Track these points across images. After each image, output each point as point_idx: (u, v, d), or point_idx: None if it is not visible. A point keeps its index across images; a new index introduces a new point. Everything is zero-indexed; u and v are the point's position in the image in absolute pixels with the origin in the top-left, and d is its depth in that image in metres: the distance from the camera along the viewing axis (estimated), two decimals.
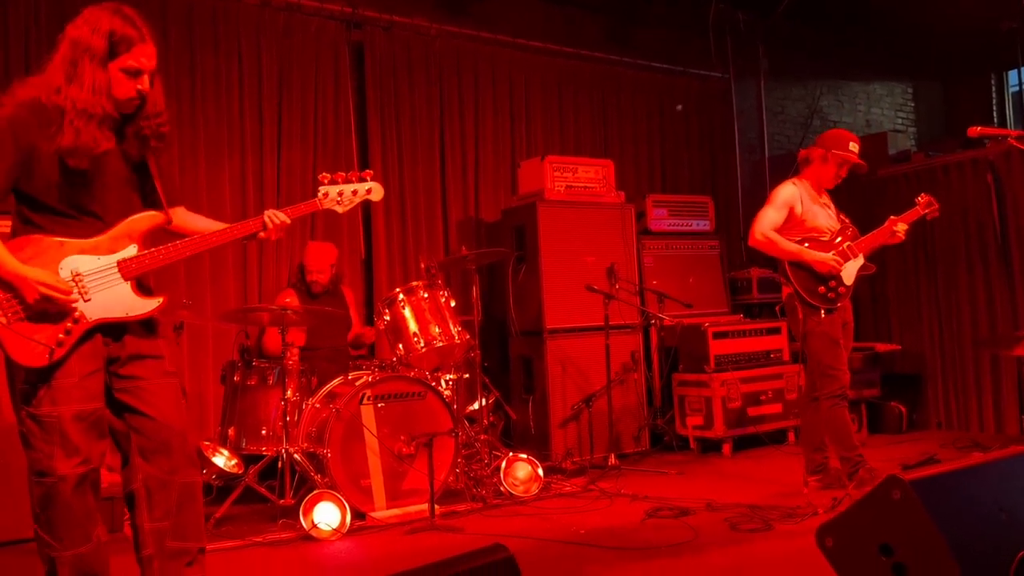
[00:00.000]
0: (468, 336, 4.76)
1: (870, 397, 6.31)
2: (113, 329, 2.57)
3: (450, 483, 4.48)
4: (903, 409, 6.35)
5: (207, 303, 5.21)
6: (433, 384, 4.54)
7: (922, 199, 4.61)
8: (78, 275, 2.50)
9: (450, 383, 4.75)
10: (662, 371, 6.25)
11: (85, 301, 2.50)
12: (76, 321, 2.47)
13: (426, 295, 4.65)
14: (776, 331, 6.23)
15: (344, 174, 2.87)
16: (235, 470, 4.40)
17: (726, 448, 5.75)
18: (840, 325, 4.38)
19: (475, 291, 5.05)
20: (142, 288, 2.62)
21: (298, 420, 4.45)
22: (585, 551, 3.57)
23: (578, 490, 4.77)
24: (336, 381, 4.54)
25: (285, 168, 5.62)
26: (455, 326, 4.65)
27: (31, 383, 2.45)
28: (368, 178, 2.89)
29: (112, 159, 2.56)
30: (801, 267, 4.32)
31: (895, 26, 8.09)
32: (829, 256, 4.31)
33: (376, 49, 5.99)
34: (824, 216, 4.47)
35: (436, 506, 4.08)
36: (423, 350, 4.55)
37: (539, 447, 5.47)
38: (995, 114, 9.18)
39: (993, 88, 9.27)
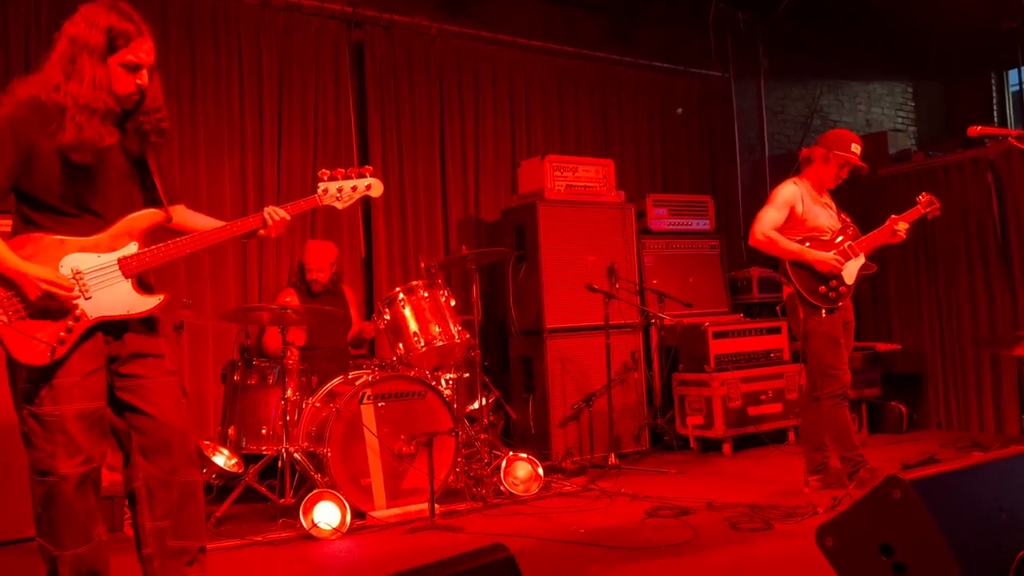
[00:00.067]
0: (468, 335, 4.75)
1: (870, 397, 6.31)
2: (114, 327, 2.57)
3: (450, 482, 4.48)
4: (903, 409, 6.35)
5: (207, 302, 5.21)
6: (433, 383, 4.54)
7: (923, 198, 4.61)
8: (79, 273, 2.50)
9: (450, 382, 4.75)
10: (662, 370, 6.25)
11: (86, 299, 2.50)
12: (77, 319, 2.47)
13: (426, 294, 4.64)
14: (776, 330, 6.23)
15: (343, 170, 2.86)
16: (235, 469, 4.40)
17: (726, 448, 5.75)
18: (841, 324, 4.38)
19: (475, 290, 5.05)
20: (143, 286, 2.62)
21: (298, 419, 4.45)
22: (585, 550, 3.57)
23: (578, 489, 4.76)
24: (336, 380, 4.54)
25: (285, 167, 5.62)
26: (455, 325, 4.65)
27: (32, 382, 2.45)
28: (367, 174, 2.88)
29: (114, 155, 2.56)
30: (802, 267, 4.32)
31: (895, 26, 8.09)
32: (830, 256, 4.31)
33: (376, 48, 5.99)
34: (825, 215, 4.46)
35: (436, 505, 4.08)
36: (423, 349, 4.55)
37: (539, 446, 5.47)
38: (995, 113, 9.18)
39: (993, 87, 9.27)
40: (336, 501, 3.98)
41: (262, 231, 2.76)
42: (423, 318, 4.60)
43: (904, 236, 4.51)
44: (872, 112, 8.99)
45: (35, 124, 2.43)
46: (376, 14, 5.98)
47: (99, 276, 2.52)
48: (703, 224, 6.76)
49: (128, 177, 2.64)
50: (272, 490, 4.29)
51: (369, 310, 5.71)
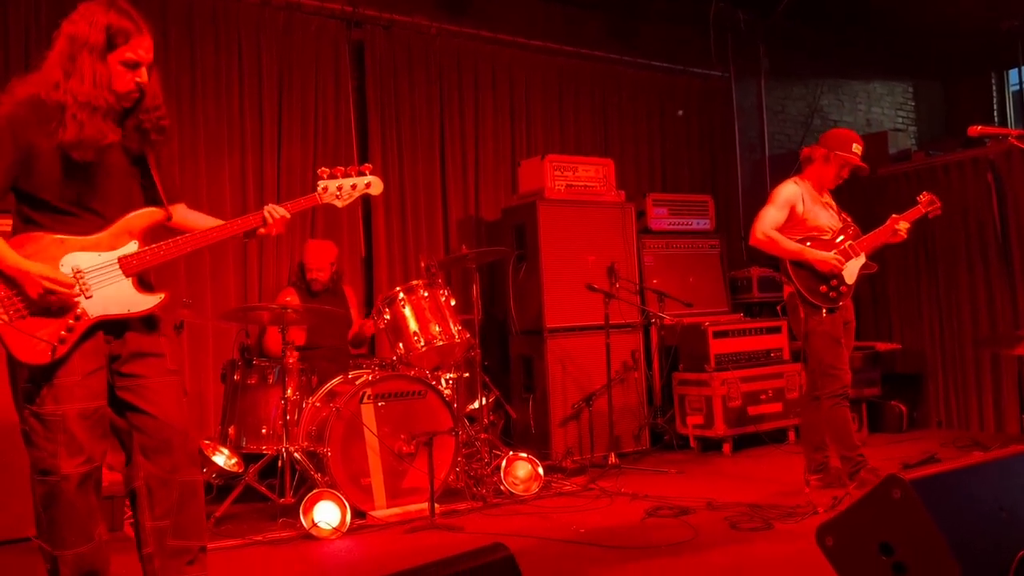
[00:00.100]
0: (468, 335, 4.75)
1: (870, 396, 6.31)
2: (115, 326, 2.57)
3: (450, 482, 4.48)
4: (903, 408, 6.35)
5: (207, 302, 5.21)
6: (433, 383, 4.54)
7: (924, 197, 4.60)
8: (79, 272, 2.50)
9: (450, 382, 4.75)
10: (662, 370, 6.25)
11: (86, 298, 2.50)
12: (78, 318, 2.47)
13: (426, 294, 4.64)
14: (776, 330, 6.23)
15: (343, 168, 2.86)
16: (235, 469, 4.40)
17: (726, 447, 5.75)
18: (842, 324, 4.37)
19: (475, 290, 5.05)
20: (143, 285, 2.62)
21: (298, 419, 4.45)
22: (585, 550, 3.56)
23: (578, 489, 4.76)
24: (336, 380, 4.54)
25: (285, 166, 5.62)
26: (455, 325, 4.65)
27: (34, 382, 2.45)
28: (367, 172, 2.88)
29: (114, 153, 2.56)
30: (803, 266, 4.32)
31: (895, 25, 8.08)
32: (831, 255, 4.31)
33: (376, 48, 5.99)
34: (826, 215, 4.46)
35: (436, 505, 4.08)
36: (423, 349, 4.55)
37: (539, 446, 5.47)
38: (996, 113, 9.18)
39: (994, 87, 9.26)
40: (336, 501, 3.98)
41: (262, 229, 2.76)
42: (423, 318, 4.60)
43: (905, 236, 4.51)
44: (872, 112, 8.99)
45: (34, 123, 2.43)
46: (376, 13, 5.98)
47: (100, 275, 2.52)
48: (703, 224, 6.76)
49: (128, 176, 2.64)
50: (272, 490, 4.29)
51: (369, 309, 5.71)
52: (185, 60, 5.29)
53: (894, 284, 6.79)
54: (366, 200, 5.83)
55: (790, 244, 4.34)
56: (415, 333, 4.56)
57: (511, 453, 4.73)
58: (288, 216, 2.78)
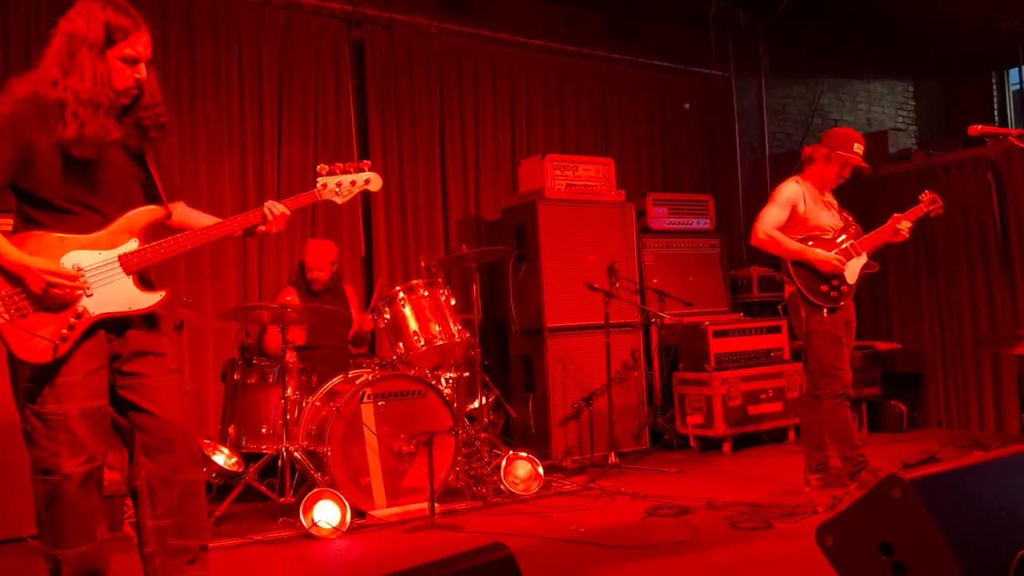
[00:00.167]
0: (468, 334, 4.75)
1: (870, 396, 6.31)
2: (116, 325, 2.57)
3: (450, 481, 4.48)
4: (903, 408, 6.35)
5: (207, 301, 5.21)
6: (433, 382, 4.54)
7: (926, 196, 4.59)
8: (80, 270, 2.50)
9: (450, 381, 4.75)
10: (662, 370, 6.25)
11: (87, 296, 2.50)
12: (79, 316, 2.47)
13: (426, 293, 4.64)
14: (776, 329, 6.23)
15: (342, 165, 2.87)
16: (235, 468, 4.40)
17: (726, 447, 5.75)
18: (843, 324, 4.37)
19: (475, 289, 5.05)
20: (144, 282, 2.62)
21: (298, 418, 4.45)
22: (585, 549, 3.57)
23: (578, 488, 4.76)
24: (336, 379, 4.54)
25: (285, 166, 5.62)
26: (455, 324, 4.65)
27: (35, 381, 2.45)
28: (366, 168, 2.88)
29: (114, 151, 2.56)
30: (804, 266, 4.32)
31: (896, 25, 8.08)
32: (832, 255, 4.30)
33: (376, 47, 5.99)
34: (827, 214, 4.45)
35: (436, 504, 4.08)
36: (423, 348, 4.55)
37: (539, 445, 5.47)
38: (996, 113, 9.18)
39: (994, 87, 9.26)
40: (336, 500, 3.98)
41: (262, 226, 2.76)
42: (423, 317, 4.60)
43: (907, 235, 4.50)
44: (873, 111, 8.99)
45: (33, 121, 2.43)
46: (376, 13, 5.98)
47: (100, 273, 2.52)
48: (703, 223, 6.76)
49: (128, 173, 2.64)
50: (272, 489, 4.29)
51: (371, 316, 5.71)
52: (185, 60, 5.29)
53: (894, 283, 6.79)
54: (366, 199, 5.84)
55: (791, 244, 4.33)
56: (415, 332, 4.56)
57: (511, 452, 4.73)
58: (288, 213, 2.78)
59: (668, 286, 6.19)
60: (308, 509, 3.92)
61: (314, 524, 3.90)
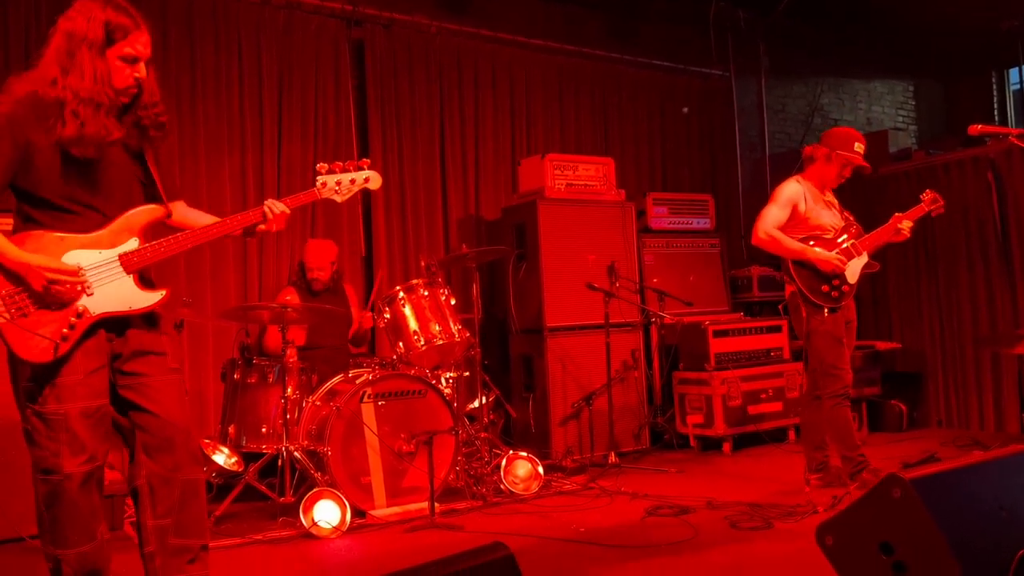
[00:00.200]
0: (468, 334, 4.75)
1: (870, 395, 6.31)
2: (116, 324, 2.56)
3: (450, 481, 4.48)
4: (903, 407, 6.35)
5: (207, 301, 5.21)
6: (433, 382, 4.54)
7: (927, 196, 4.57)
8: (80, 269, 2.49)
9: (450, 381, 4.75)
10: (662, 369, 6.25)
11: (88, 296, 2.49)
12: (80, 315, 2.47)
13: (426, 293, 4.64)
14: (776, 329, 6.23)
15: (341, 164, 2.87)
16: (235, 468, 4.40)
17: (726, 446, 5.75)
18: (843, 324, 4.37)
19: (475, 289, 5.05)
20: (144, 282, 2.62)
21: (298, 418, 4.45)
22: (585, 549, 3.57)
23: (578, 488, 4.76)
24: (336, 379, 4.54)
25: (285, 165, 5.61)
26: (455, 324, 4.65)
27: (36, 380, 2.45)
28: (365, 167, 2.89)
29: (115, 149, 2.56)
30: (805, 265, 4.31)
31: (895, 24, 8.08)
32: (833, 254, 4.30)
33: (376, 47, 5.99)
34: (828, 214, 4.45)
35: (436, 504, 4.08)
36: (423, 348, 4.55)
37: (539, 445, 5.47)
38: (996, 112, 9.18)
39: (994, 86, 9.26)
40: (336, 500, 3.98)
41: (262, 225, 2.75)
42: (423, 317, 4.60)
43: (908, 234, 4.49)
44: (873, 111, 8.99)
45: (32, 120, 2.43)
46: (376, 12, 5.97)
47: (101, 272, 2.52)
48: (703, 223, 6.76)
49: (129, 172, 2.64)
50: (272, 489, 4.29)
51: (371, 314, 5.71)
52: (185, 60, 5.29)
53: (894, 283, 6.79)
54: (366, 199, 5.84)
55: (792, 243, 4.33)
56: (415, 332, 4.56)
57: (511, 452, 4.73)
58: (288, 211, 2.78)
59: (668, 286, 6.19)
60: (308, 509, 3.92)
61: (314, 524, 3.90)
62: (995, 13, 7.64)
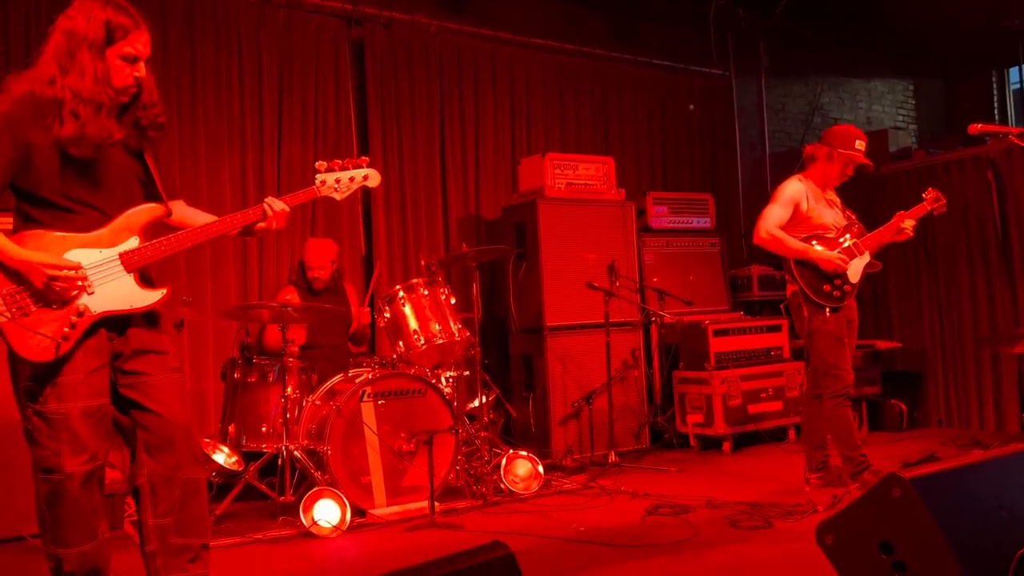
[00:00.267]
0: (468, 333, 4.75)
1: (870, 395, 6.31)
2: (117, 323, 2.56)
3: (450, 480, 4.48)
4: (903, 407, 6.35)
5: (207, 300, 5.21)
6: (433, 381, 4.54)
7: (929, 194, 4.54)
8: (81, 268, 2.49)
9: (450, 380, 4.75)
10: (662, 368, 6.25)
11: (88, 294, 2.49)
12: (80, 315, 2.47)
13: (426, 292, 4.64)
14: (776, 328, 6.23)
15: (340, 162, 2.87)
16: (235, 467, 4.40)
17: (726, 446, 5.75)
18: (845, 323, 4.36)
19: (475, 288, 5.04)
20: (145, 280, 2.62)
21: (298, 417, 4.45)
22: (585, 548, 3.57)
23: (578, 487, 4.77)
24: (336, 378, 4.54)
25: (285, 165, 5.61)
26: (455, 323, 4.65)
27: (36, 380, 2.44)
28: (364, 164, 2.89)
29: (116, 148, 2.56)
30: (806, 265, 4.30)
31: (896, 24, 8.08)
32: (834, 254, 4.29)
33: (376, 46, 5.99)
34: (830, 213, 4.43)
35: (436, 503, 4.08)
36: (423, 347, 4.55)
37: (539, 444, 5.47)
38: (996, 111, 9.18)
39: (994, 85, 9.26)
40: (336, 499, 3.98)
41: (262, 223, 2.75)
42: (423, 316, 4.60)
43: (911, 234, 4.47)
44: (873, 110, 8.98)
45: (31, 120, 2.43)
46: (376, 11, 5.97)
47: (101, 271, 2.52)
48: (703, 222, 6.76)
49: (128, 171, 2.63)
50: (272, 488, 4.30)
51: (371, 313, 5.71)
52: (185, 59, 5.29)
53: (894, 282, 6.79)
54: (366, 198, 5.84)
55: (794, 243, 4.32)
56: (415, 331, 4.56)
57: (511, 451, 4.74)
58: (287, 210, 2.78)
59: (668, 285, 6.19)
60: (308, 508, 3.92)
61: (314, 523, 3.90)
62: (995, 12, 7.63)
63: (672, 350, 6.17)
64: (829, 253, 4.29)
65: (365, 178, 2.87)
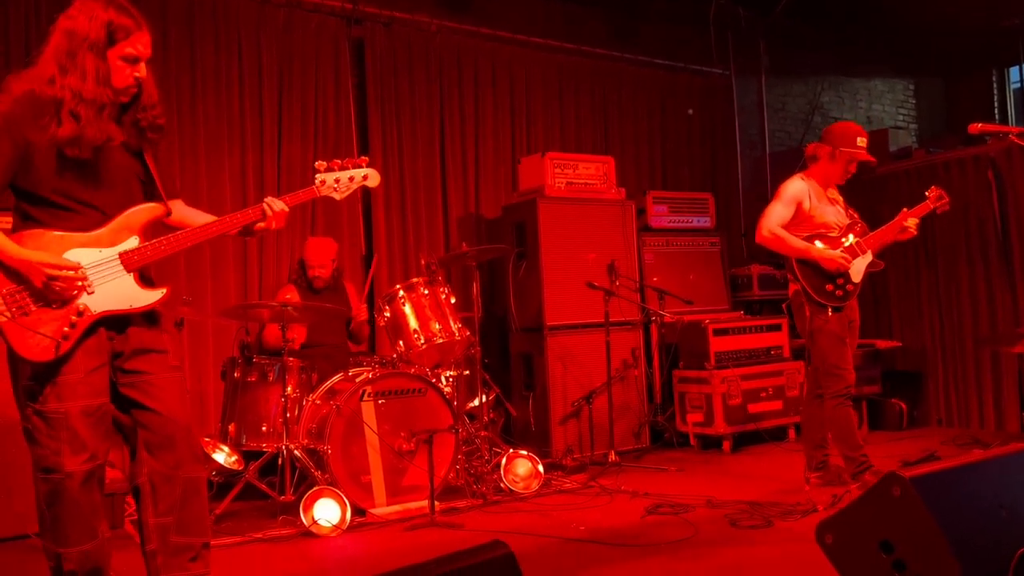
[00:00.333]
0: (468, 333, 4.75)
1: (871, 394, 6.31)
2: (117, 323, 2.57)
3: (450, 480, 4.48)
4: (903, 406, 6.35)
5: (207, 299, 5.21)
6: (433, 381, 4.54)
7: (932, 193, 4.52)
8: (81, 268, 2.49)
9: (450, 380, 4.75)
10: (662, 368, 6.25)
11: (88, 294, 2.49)
12: (80, 314, 2.47)
13: (426, 291, 4.64)
14: (776, 328, 6.23)
15: (340, 161, 2.87)
16: (235, 466, 4.40)
17: (726, 445, 5.75)
18: (847, 323, 4.35)
19: (475, 287, 5.05)
20: (145, 280, 2.62)
21: (298, 416, 4.45)
22: (585, 548, 3.57)
23: (578, 487, 4.77)
24: (336, 377, 4.54)
25: (285, 164, 5.61)
26: (455, 323, 4.65)
27: (36, 379, 2.45)
28: (364, 164, 2.89)
29: (116, 148, 2.56)
30: (808, 264, 4.28)
31: (896, 23, 8.08)
32: (837, 253, 4.27)
33: (376, 45, 5.99)
34: (832, 212, 4.42)
35: (436, 502, 4.08)
36: (423, 347, 4.55)
37: (539, 444, 5.47)
38: (996, 111, 9.18)
39: (994, 85, 9.26)
40: (336, 498, 3.98)
41: (262, 223, 2.75)
42: (423, 315, 4.60)
43: (915, 232, 4.45)
44: (873, 109, 8.98)
45: (30, 119, 2.43)
46: (376, 11, 5.97)
47: (101, 271, 2.52)
48: (704, 221, 6.76)
49: (128, 171, 2.63)
50: (272, 487, 4.30)
51: (369, 309, 5.71)
52: (185, 59, 5.28)
53: (894, 282, 6.79)
54: (366, 197, 5.84)
55: (796, 242, 4.30)
56: (415, 331, 4.56)
57: (511, 451, 4.74)
58: (287, 209, 2.78)
59: (668, 284, 6.19)
60: (308, 507, 3.92)
61: (314, 522, 3.90)
62: (996, 11, 7.63)
63: (672, 349, 6.17)
64: (831, 252, 4.28)
65: (365, 178, 2.88)
